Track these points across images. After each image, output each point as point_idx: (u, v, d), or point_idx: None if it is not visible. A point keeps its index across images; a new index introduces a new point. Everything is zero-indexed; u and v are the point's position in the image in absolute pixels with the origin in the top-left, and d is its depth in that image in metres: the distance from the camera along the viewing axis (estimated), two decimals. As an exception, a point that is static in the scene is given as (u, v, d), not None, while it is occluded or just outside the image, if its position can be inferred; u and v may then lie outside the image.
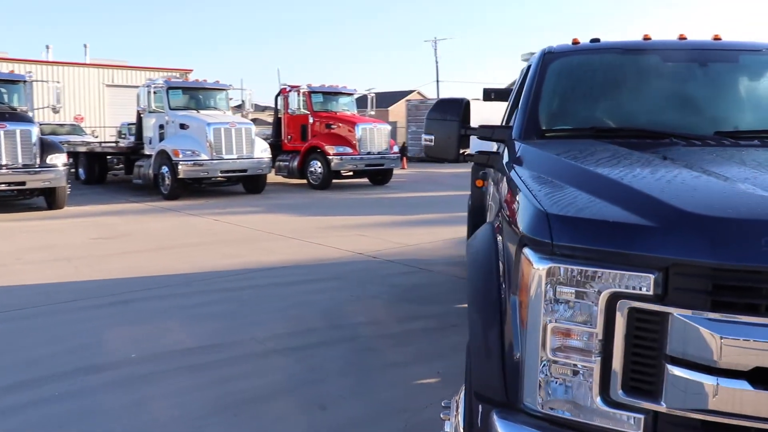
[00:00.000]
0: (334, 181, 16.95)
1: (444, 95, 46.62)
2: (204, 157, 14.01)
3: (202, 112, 15.05)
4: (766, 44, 3.48)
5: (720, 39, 3.57)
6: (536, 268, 1.76)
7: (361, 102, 19.55)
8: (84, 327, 5.23)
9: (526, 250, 1.83)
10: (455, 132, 3.27)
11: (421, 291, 6.43)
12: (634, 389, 1.69)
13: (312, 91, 17.57)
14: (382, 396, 3.92)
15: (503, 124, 5.52)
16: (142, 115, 15.92)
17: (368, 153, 16.89)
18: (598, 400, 1.71)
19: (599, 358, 1.70)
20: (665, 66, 3.32)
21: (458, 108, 3.28)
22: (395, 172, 18.64)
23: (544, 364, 1.77)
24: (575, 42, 3.64)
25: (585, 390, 1.73)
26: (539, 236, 1.79)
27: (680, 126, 2.92)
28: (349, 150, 16.53)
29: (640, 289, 1.64)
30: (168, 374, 4.22)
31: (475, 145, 3.67)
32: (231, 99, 16.46)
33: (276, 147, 16.71)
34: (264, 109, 50.31)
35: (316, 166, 16.68)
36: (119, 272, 7.23)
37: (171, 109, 14.95)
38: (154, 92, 15.21)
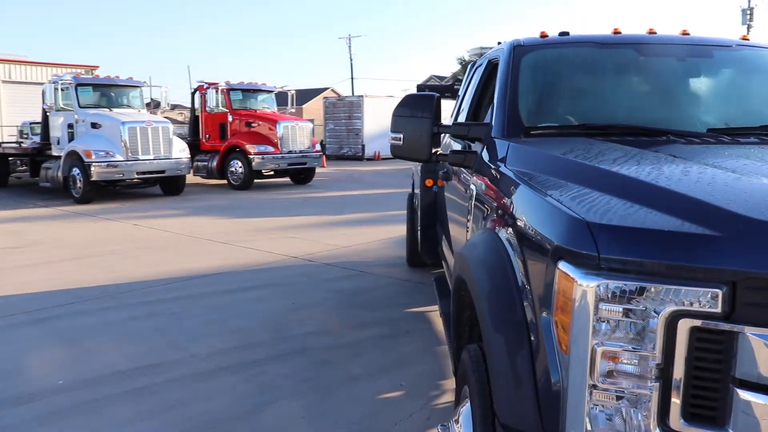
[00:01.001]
0: (255, 181, 16.40)
1: (359, 92, 46.46)
2: (119, 158, 13.15)
3: (114, 110, 14.14)
4: (735, 40, 3.46)
5: (688, 34, 3.52)
6: (581, 284, 1.55)
7: (281, 100, 19.04)
8: (-2, 351, 4.68)
9: (564, 265, 1.61)
10: (427, 130, 3.04)
11: (366, 296, 6.18)
12: (696, 417, 1.50)
13: (231, 89, 16.92)
14: (347, 415, 3.64)
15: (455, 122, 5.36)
16: (48, 114, 14.80)
17: (290, 152, 16.44)
18: (657, 431, 1.52)
19: (657, 383, 1.51)
20: (645, 61, 3.21)
21: (430, 104, 3.05)
22: (316, 170, 18.26)
23: (592, 392, 1.57)
24: (543, 35, 3.49)
25: (641, 419, 1.53)
26: (581, 248, 1.58)
27: (671, 123, 2.82)
28: (270, 149, 16.03)
29: (705, 305, 1.46)
30: (104, 403, 3.78)
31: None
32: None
33: (193, 146, 15.96)
34: (174, 107, 48.57)
35: (237, 166, 16.08)
36: (33, 286, 6.58)
37: (81, 107, 13.95)
38: (62, 89, 14.14)
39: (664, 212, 1.64)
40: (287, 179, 17.82)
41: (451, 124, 3.09)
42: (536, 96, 3.08)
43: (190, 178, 15.88)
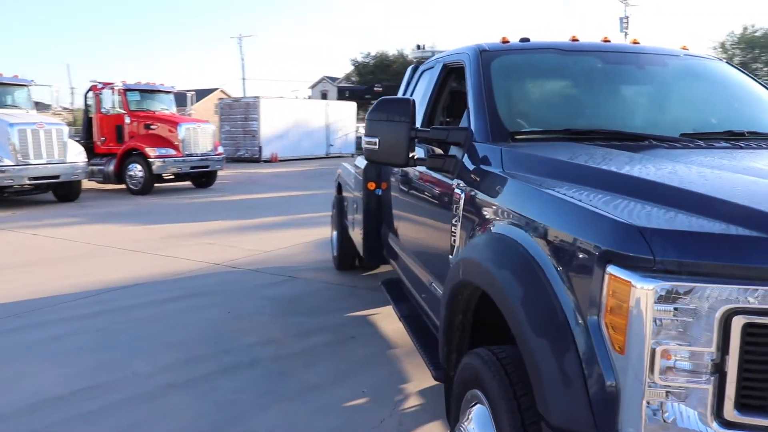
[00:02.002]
0: (155, 185, 15.66)
1: (250, 93, 45.57)
2: (7, 162, 12.11)
3: (0, 111, 13.02)
4: (680, 50, 3.68)
5: (638, 43, 3.70)
6: (638, 287, 1.59)
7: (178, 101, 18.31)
8: None
9: (615, 269, 1.65)
10: (405, 134, 3.00)
11: (303, 302, 6.06)
12: (748, 407, 1.58)
13: (127, 89, 16.03)
14: (317, 427, 3.55)
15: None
16: None
17: (192, 155, 15.82)
18: (714, 424, 1.58)
19: (713, 378, 1.57)
20: (612, 68, 3.34)
21: (406, 108, 3.02)
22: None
23: (650, 390, 1.61)
24: (505, 41, 3.55)
25: (698, 413, 1.59)
26: (635, 252, 1.62)
27: (647, 128, 2.95)
28: (171, 152, 15.36)
29: (757, 302, 1.54)
30: (48, 432, 3.47)
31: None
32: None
33: (87, 150, 14.97)
34: (48, 107, 45.59)
35: (136, 170, 15.29)
36: (-73, 307, 5.95)
37: (-42, 108, 12.78)
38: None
39: (705, 215, 1.71)
40: (188, 183, 17.16)
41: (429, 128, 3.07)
42: (514, 101, 3.12)
43: (85, 184, 14.92)
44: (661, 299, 1.57)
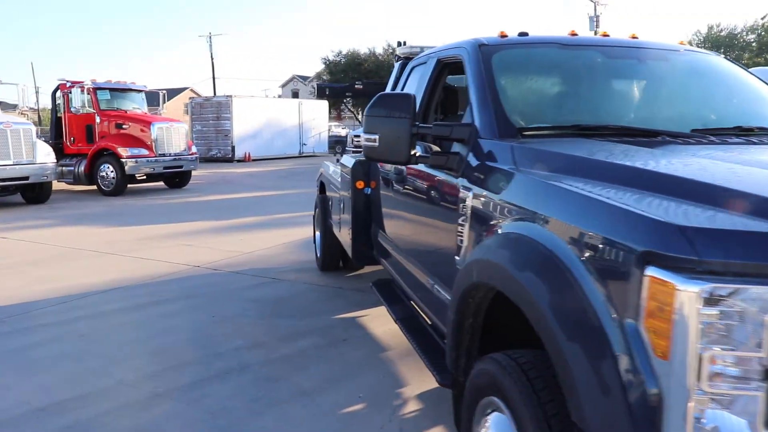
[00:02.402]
0: (128, 186, 15.32)
1: (221, 93, 44.99)
2: (-26, 163, 11.75)
3: (-37, 110, 12.63)
4: (679, 45, 3.65)
5: (637, 38, 3.65)
6: (682, 289, 1.51)
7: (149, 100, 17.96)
8: None
9: (656, 270, 1.57)
10: (406, 131, 2.91)
11: (288, 304, 5.93)
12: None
13: (97, 88, 15.63)
14: (316, 433, 3.44)
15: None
16: None
17: (164, 154, 15.51)
18: (764, 430, 1.51)
19: (764, 384, 1.50)
20: (613, 63, 3.29)
21: (407, 103, 2.93)
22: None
23: (697, 396, 1.54)
24: (503, 35, 3.48)
25: (746, 420, 1.52)
26: (678, 253, 1.54)
27: (656, 123, 2.89)
28: (144, 151, 15.04)
29: (808, 303, 1.48)
30: (32, 446, 3.31)
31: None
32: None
33: (56, 150, 14.57)
34: (15, 106, 44.59)
35: (108, 171, 14.92)
36: None
37: None
38: None
39: (745, 213, 1.65)
40: (161, 183, 16.84)
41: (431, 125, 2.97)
42: (518, 96, 3.05)
43: (55, 185, 14.52)
44: (707, 302, 1.50)
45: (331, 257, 7.02)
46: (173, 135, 15.72)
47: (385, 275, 6.23)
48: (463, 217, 2.74)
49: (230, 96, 28.52)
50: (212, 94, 45.09)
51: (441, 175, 3.11)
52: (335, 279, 6.85)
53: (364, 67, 44.39)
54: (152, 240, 9.13)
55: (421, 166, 3.34)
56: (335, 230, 6.29)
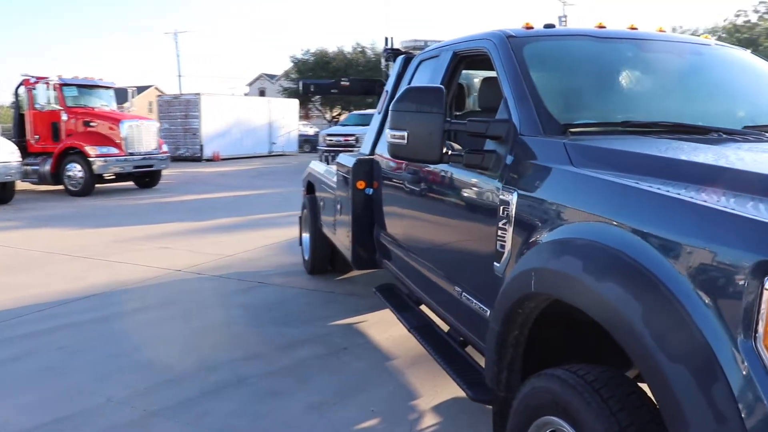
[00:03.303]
0: (96, 186, 14.74)
1: (186, 91, 44.11)
2: (-68, 163, 11.13)
3: None
4: (708, 40, 3.50)
5: (665, 32, 3.48)
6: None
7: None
8: None
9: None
10: (438, 127, 2.68)
11: (280, 310, 5.64)
12: None
13: (63, 84, 14.96)
14: (332, 454, 3.18)
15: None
16: None
17: (133, 153, 14.97)
18: None
19: None
20: (652, 57, 3.10)
21: (438, 97, 2.69)
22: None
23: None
24: (529, 27, 3.26)
25: None
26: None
27: (706, 120, 2.71)
28: (113, 150, 14.48)
29: None
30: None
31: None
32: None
33: (20, 148, 13.92)
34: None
35: (75, 170, 14.32)
36: None
37: None
38: None
39: None
40: (131, 183, 16.28)
41: (466, 120, 2.74)
42: (558, 91, 2.83)
43: (18, 185, 13.90)
44: None
45: (320, 260, 6.75)
46: (144, 133, 15.20)
47: (379, 279, 6.00)
48: (504, 221, 2.51)
49: (199, 94, 27.93)
50: (178, 92, 44.24)
51: (472, 176, 2.88)
52: (326, 283, 6.58)
53: (332, 65, 44.00)
54: (127, 243, 8.72)
55: (444, 166, 3.11)
56: (328, 232, 6.02)
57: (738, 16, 37.02)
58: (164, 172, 16.70)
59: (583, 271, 1.87)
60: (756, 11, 37.69)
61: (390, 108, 2.80)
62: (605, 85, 2.98)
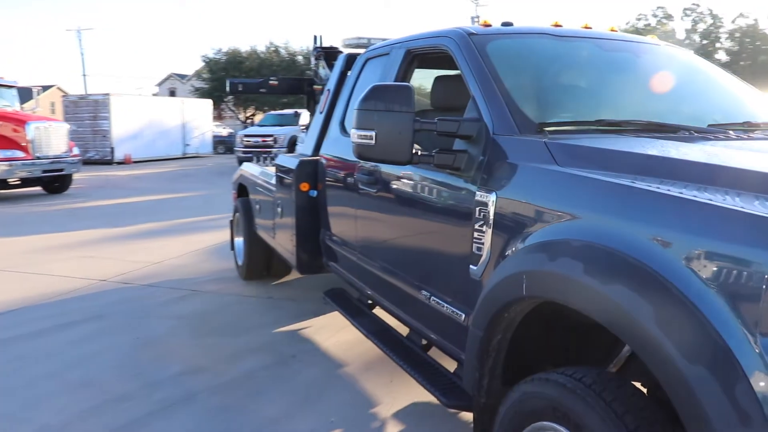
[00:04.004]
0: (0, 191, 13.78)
1: (92, 90, 42.18)
2: None
3: None
4: (653, 40, 3.57)
5: (616, 31, 3.52)
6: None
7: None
8: None
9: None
10: (408, 126, 2.59)
11: (218, 319, 5.40)
12: None
13: (-40, 82, 13.96)
14: (297, 471, 3.03)
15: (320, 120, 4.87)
16: None
17: (40, 157, 14.07)
18: None
19: None
20: (615, 57, 3.12)
21: (408, 95, 2.60)
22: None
23: None
24: (487, 24, 3.23)
25: None
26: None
27: (673, 118, 2.74)
28: (19, 153, 13.55)
29: None
30: None
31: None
32: None
33: None
34: None
35: (-24, 176, 13.34)
36: None
37: None
38: None
39: None
40: (39, 188, 15.31)
41: (436, 119, 2.65)
42: (527, 90, 2.79)
43: None
44: None
45: (256, 265, 6.53)
46: (52, 135, 14.33)
47: (320, 283, 5.87)
48: (481, 223, 2.45)
49: (108, 94, 26.70)
50: (84, 92, 42.20)
51: (440, 176, 2.80)
52: (262, 288, 6.37)
53: (245, 65, 43.29)
54: (43, 252, 8.16)
55: (408, 167, 3.01)
56: (266, 236, 5.82)
57: (639, 19, 39.01)
58: (75, 176, 15.82)
59: (585, 273, 1.82)
60: (655, 15, 39.94)
61: (356, 107, 2.68)
62: (574, 83, 2.98)
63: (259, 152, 22.07)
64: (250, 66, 43.31)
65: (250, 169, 6.58)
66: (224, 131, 39.44)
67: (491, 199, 2.39)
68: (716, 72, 3.48)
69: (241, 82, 8.23)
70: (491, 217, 2.39)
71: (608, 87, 2.92)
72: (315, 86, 7.35)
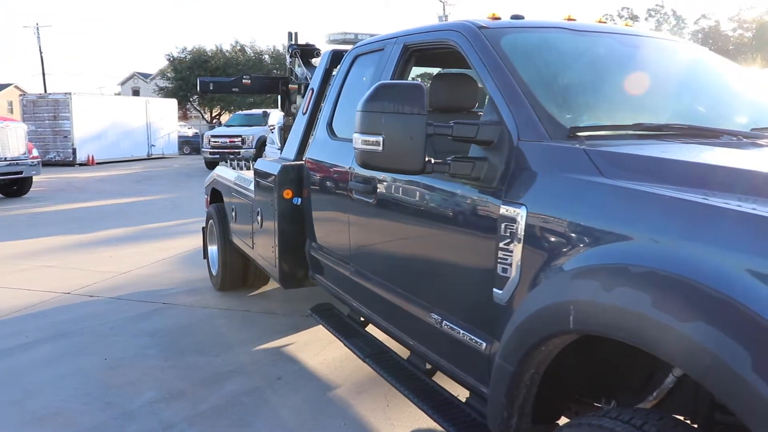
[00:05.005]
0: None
1: (51, 90, 40.99)
2: None
3: None
4: (665, 35, 3.34)
5: (631, 26, 3.27)
6: None
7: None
8: None
9: None
10: (420, 130, 2.28)
11: (194, 336, 5.02)
12: None
13: None
14: None
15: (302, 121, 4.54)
16: None
17: (-1, 159, 13.43)
18: None
19: None
20: (640, 54, 2.85)
21: (419, 96, 2.29)
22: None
23: None
24: (495, 18, 2.93)
25: None
26: None
27: (714, 121, 2.48)
28: (-26, 156, 12.92)
29: None
30: None
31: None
32: None
33: None
34: None
35: (-72, 179, 12.64)
36: None
37: None
38: None
39: None
40: (-6, 192, 14.61)
41: (452, 123, 2.35)
42: (553, 89, 2.50)
43: None
44: None
45: (232, 276, 6.15)
46: (10, 136, 13.65)
47: (301, 295, 5.53)
48: (507, 241, 2.15)
49: (69, 93, 25.82)
50: (43, 91, 40.95)
51: (452, 186, 2.50)
52: (238, 300, 6.00)
53: (211, 64, 42.62)
54: (0, 262, 7.65)
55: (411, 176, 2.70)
56: (243, 246, 5.45)
57: (606, 20, 39.34)
58: (36, 179, 15.15)
59: (655, 308, 1.54)
60: (621, 16, 40.32)
61: (359, 108, 2.36)
62: (603, 83, 2.70)
63: (227, 153, 21.86)
64: (215, 65, 42.71)
65: (225, 173, 6.20)
66: (189, 131, 38.71)
67: (521, 214, 2.10)
68: (737, 70, 3.25)
69: (213, 80, 7.83)
70: (521, 234, 2.10)
71: (638, 87, 2.66)
72: (290, 85, 7.01)
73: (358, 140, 2.37)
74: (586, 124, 2.29)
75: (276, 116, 21.91)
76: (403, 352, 3.32)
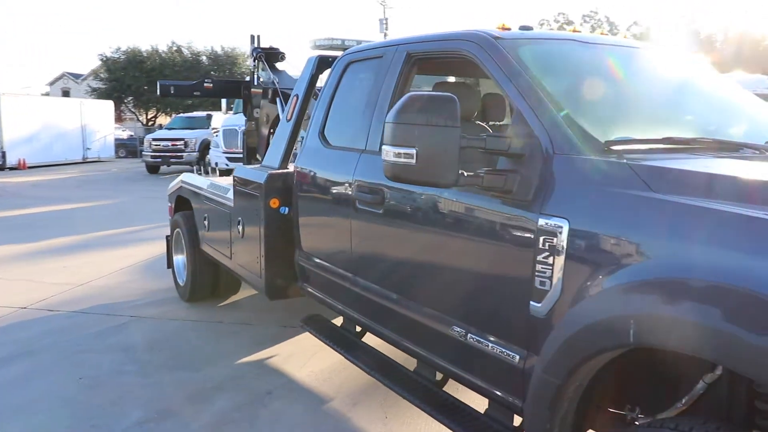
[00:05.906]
0: None
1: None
2: None
3: None
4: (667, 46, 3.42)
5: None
6: None
7: None
8: None
9: None
10: (455, 143, 2.25)
11: (169, 350, 4.84)
12: None
13: None
14: None
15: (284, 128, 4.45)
16: None
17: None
18: None
19: None
20: (651, 66, 2.89)
21: (452, 107, 2.26)
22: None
23: None
24: (505, 28, 2.94)
25: None
26: None
27: (735, 135, 2.54)
28: None
29: None
30: None
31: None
32: None
33: None
34: None
35: None
36: None
37: None
38: None
39: None
40: None
41: (484, 135, 2.32)
42: (582, 102, 2.50)
43: None
44: None
45: (202, 286, 5.97)
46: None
47: (277, 305, 5.40)
48: (547, 254, 2.15)
49: (-4, 93, 24.65)
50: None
51: (479, 199, 2.48)
52: (209, 311, 5.82)
53: (146, 65, 41.46)
54: (-57, 276, 7.20)
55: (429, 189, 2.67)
56: (218, 256, 5.29)
57: (542, 24, 40.32)
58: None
59: (727, 321, 1.56)
60: (556, 21, 41.44)
61: (388, 119, 2.31)
62: (627, 96, 2.73)
63: (169, 157, 21.29)
64: (151, 66, 41.57)
65: (193, 180, 6.00)
66: (125, 134, 37.55)
67: (563, 228, 2.10)
68: (729, 81, 3.36)
69: (173, 84, 7.63)
70: (563, 248, 2.09)
71: (658, 99, 2.71)
72: (253, 89, 6.88)
73: (390, 152, 2.32)
74: (618, 138, 2.30)
75: (219, 119, 21.50)
76: (401, 359, 3.28)
